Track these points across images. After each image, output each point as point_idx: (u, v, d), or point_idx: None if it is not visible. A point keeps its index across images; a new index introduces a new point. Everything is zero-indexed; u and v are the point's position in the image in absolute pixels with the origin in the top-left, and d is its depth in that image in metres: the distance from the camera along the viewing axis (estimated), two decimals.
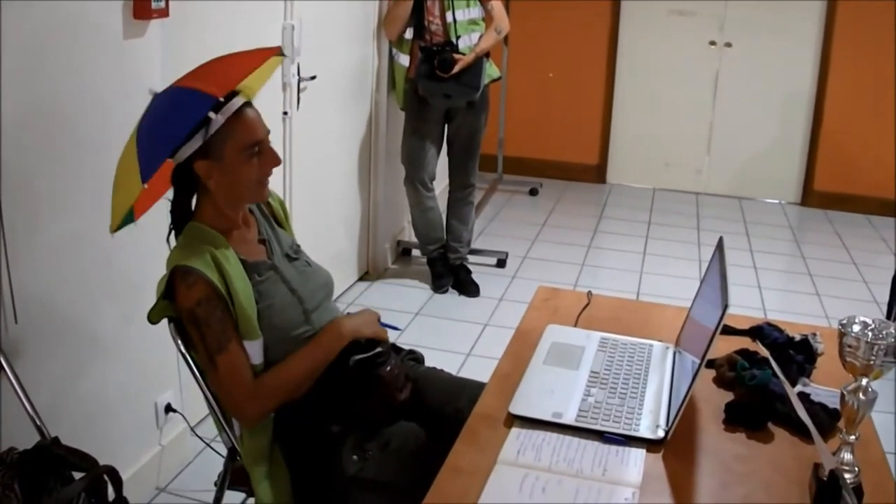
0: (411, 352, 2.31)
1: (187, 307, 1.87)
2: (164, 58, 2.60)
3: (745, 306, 4.46)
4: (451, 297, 4.66)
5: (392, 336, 2.12)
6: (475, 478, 1.55)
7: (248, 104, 1.93)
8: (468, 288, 4.68)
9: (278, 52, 2.02)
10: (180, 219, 1.97)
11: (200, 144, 1.86)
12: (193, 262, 1.85)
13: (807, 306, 4.73)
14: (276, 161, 1.95)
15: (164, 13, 2.54)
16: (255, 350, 1.92)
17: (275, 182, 2.03)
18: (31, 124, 2.16)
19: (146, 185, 1.82)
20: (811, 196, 6.63)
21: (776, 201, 6.75)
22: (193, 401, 2.92)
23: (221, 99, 1.85)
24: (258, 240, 2.05)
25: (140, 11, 2.46)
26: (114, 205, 1.95)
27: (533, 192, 6.63)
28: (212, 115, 1.85)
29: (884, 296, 4.29)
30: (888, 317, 4.00)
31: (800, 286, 5.09)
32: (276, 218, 2.18)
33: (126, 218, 1.97)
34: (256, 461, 1.97)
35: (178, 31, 2.67)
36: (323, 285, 2.13)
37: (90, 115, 2.37)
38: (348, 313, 2.12)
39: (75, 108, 2.32)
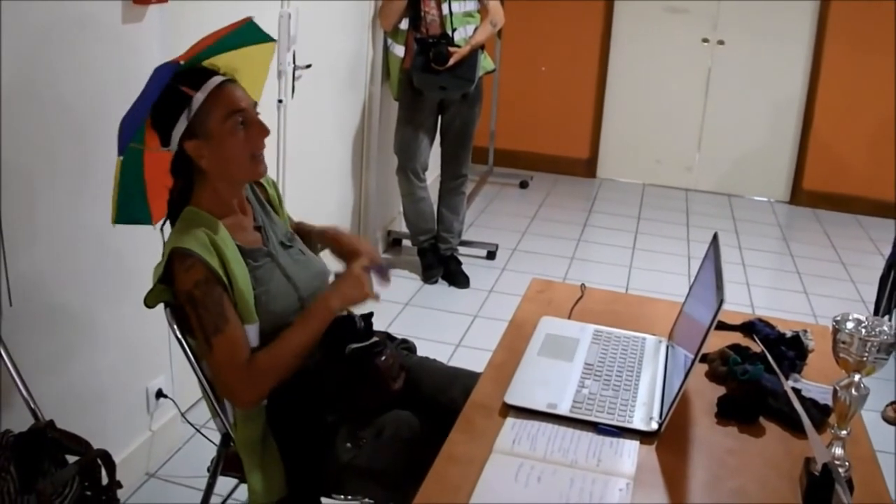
0: (404, 341, 2.32)
1: (185, 289, 1.86)
2: (163, 43, 2.60)
3: (734, 303, 4.48)
4: (441, 288, 4.67)
5: (384, 325, 2.12)
6: (471, 466, 1.56)
7: (230, 81, 1.94)
8: (458, 279, 4.70)
9: (249, 20, 2.07)
10: (178, 207, 1.97)
11: (187, 125, 1.87)
12: (191, 245, 1.85)
13: (795, 304, 4.76)
14: (263, 131, 1.94)
15: None
16: (251, 334, 1.91)
17: (268, 168, 2.03)
18: (28, 109, 2.15)
19: (121, 157, 1.89)
20: (800, 194, 6.67)
21: (765, 199, 6.79)
22: (184, 387, 2.93)
23: (182, 63, 1.85)
24: (254, 227, 2.05)
25: None
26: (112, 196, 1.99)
27: (523, 185, 6.64)
28: (192, 93, 1.87)
29: (871, 295, 4.31)
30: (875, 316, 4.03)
31: (788, 284, 5.12)
32: (271, 202, 2.18)
33: (142, 217, 2.07)
34: (249, 449, 1.97)
35: (177, 17, 2.67)
36: (318, 274, 2.13)
37: (87, 100, 2.36)
38: (335, 274, 2.10)
39: (73, 93, 2.31)
